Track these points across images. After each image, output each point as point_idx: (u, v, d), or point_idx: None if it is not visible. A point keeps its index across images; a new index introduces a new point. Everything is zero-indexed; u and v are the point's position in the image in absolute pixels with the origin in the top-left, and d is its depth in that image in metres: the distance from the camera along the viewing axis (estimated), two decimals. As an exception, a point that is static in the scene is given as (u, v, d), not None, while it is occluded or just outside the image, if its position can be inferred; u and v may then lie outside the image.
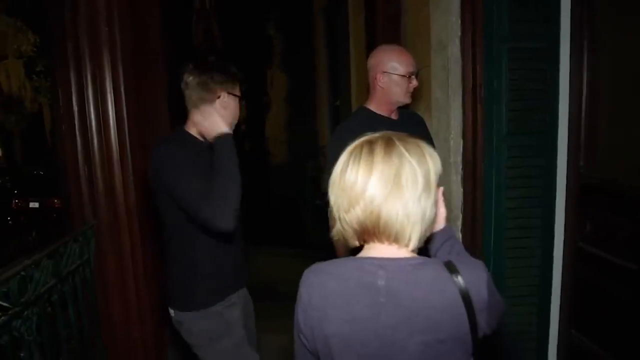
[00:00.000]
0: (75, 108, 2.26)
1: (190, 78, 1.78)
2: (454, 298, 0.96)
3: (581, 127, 2.40)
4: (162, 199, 1.73)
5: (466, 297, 0.96)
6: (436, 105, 2.68)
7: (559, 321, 2.55)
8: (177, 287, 1.80)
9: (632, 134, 2.16)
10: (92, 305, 2.29)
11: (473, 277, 0.99)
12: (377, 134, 1.04)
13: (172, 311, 1.83)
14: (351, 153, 1.02)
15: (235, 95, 1.85)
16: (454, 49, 2.55)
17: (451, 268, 0.99)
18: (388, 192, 0.96)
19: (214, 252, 1.77)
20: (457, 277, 0.97)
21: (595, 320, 2.29)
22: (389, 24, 3.29)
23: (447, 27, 2.57)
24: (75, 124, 2.26)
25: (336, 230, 1.06)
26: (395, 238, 1.00)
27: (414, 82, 2.03)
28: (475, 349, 1.00)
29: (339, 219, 1.03)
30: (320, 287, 1.03)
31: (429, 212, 0.99)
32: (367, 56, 3.85)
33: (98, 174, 2.33)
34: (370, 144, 1.00)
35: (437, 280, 0.98)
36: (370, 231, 1.00)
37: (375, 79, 2.02)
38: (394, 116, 2.11)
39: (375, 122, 2.01)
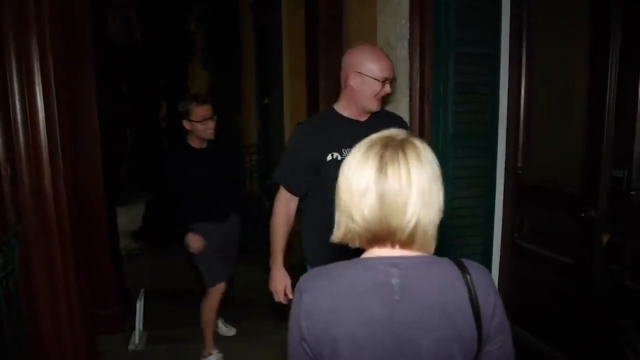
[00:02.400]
0: (-4, 99, 1.98)
1: None
2: (464, 297, 0.96)
3: (519, 130, 2.55)
4: None
5: (474, 298, 0.96)
6: (384, 106, 2.70)
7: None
8: None
9: (565, 137, 2.33)
10: (17, 321, 2.03)
11: (481, 279, 0.98)
12: (396, 134, 1.00)
13: None
14: (383, 157, 0.96)
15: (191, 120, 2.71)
16: (402, 51, 2.59)
17: (461, 267, 0.99)
18: (424, 202, 0.94)
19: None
20: (466, 277, 0.97)
21: (533, 313, 2.44)
22: (332, 24, 3.28)
23: (395, 29, 2.61)
24: (-5, 118, 1.98)
25: (343, 233, 1.01)
26: (428, 245, 0.99)
27: (387, 89, 1.88)
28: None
29: (360, 225, 0.98)
30: (328, 290, 0.99)
31: (441, 216, 0.99)
32: (306, 55, 3.89)
33: (24, 175, 2.06)
34: (401, 147, 0.97)
35: (449, 278, 0.97)
36: (398, 240, 0.97)
37: (348, 78, 1.88)
38: (361, 118, 1.96)
39: (338, 124, 1.94)
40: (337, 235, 1.03)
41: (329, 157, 1.87)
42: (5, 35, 2.00)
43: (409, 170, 0.94)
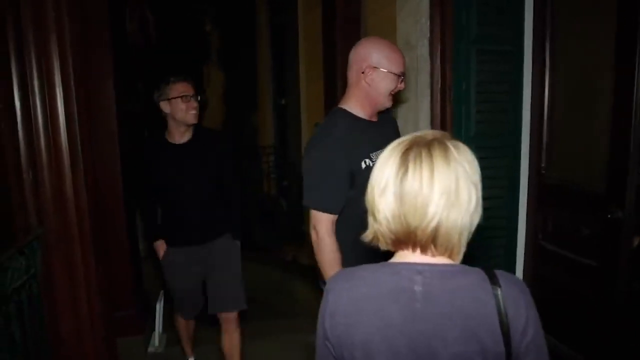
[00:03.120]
0: (18, 103, 1.98)
1: None
2: (492, 311, 0.91)
3: (543, 130, 2.50)
4: None
5: (502, 313, 0.91)
6: (404, 105, 2.66)
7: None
8: None
9: (590, 136, 2.27)
10: (39, 323, 2.04)
11: (513, 293, 0.93)
12: (425, 134, 0.97)
13: None
14: (406, 154, 0.93)
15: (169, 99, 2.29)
16: (423, 50, 2.55)
17: (493, 279, 0.94)
18: (450, 205, 0.90)
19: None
20: (496, 290, 0.92)
21: (556, 316, 2.38)
22: (349, 23, 3.24)
23: (416, 27, 2.57)
24: (17, 121, 1.99)
25: (374, 232, 0.99)
26: (450, 251, 0.94)
27: (402, 85, 1.76)
28: None
29: (383, 225, 0.95)
30: (350, 293, 0.98)
31: (477, 219, 0.95)
32: (323, 55, 3.85)
33: (45, 178, 2.06)
34: (428, 146, 0.93)
35: (476, 289, 0.93)
36: (418, 241, 0.94)
37: (363, 73, 1.71)
38: (374, 119, 1.83)
39: (358, 128, 1.76)
40: (367, 235, 1.01)
41: (363, 165, 1.71)
42: (25, 37, 2.01)
43: (432, 170, 0.90)
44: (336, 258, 1.70)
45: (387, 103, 1.81)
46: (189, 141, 2.36)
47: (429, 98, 2.56)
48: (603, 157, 2.09)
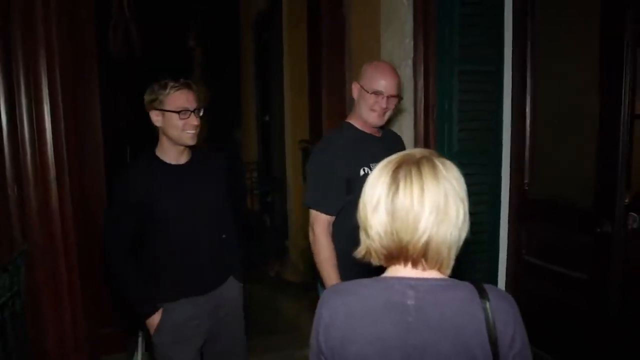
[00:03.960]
0: (4, 118, 1.98)
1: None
2: (481, 324, 0.94)
3: (525, 148, 2.57)
4: None
5: (491, 326, 0.94)
6: (388, 124, 2.72)
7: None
8: None
9: (574, 154, 2.35)
10: (22, 341, 2.01)
11: (501, 307, 0.96)
12: (414, 152, 1.00)
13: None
14: (396, 172, 0.97)
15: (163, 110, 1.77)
16: (407, 70, 2.61)
17: (481, 292, 0.97)
18: (440, 220, 0.93)
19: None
20: (485, 303, 0.95)
21: (543, 328, 2.43)
22: (334, 42, 3.31)
23: (400, 48, 2.64)
24: (3, 136, 1.98)
25: (366, 247, 1.02)
26: (440, 265, 0.97)
27: (381, 103, 1.87)
28: None
29: (376, 241, 0.98)
30: (345, 308, 1.00)
31: (464, 233, 0.98)
32: (308, 72, 3.91)
33: (31, 194, 2.05)
34: (417, 164, 0.96)
35: (466, 303, 0.96)
36: (410, 256, 0.97)
37: (352, 87, 1.96)
38: (376, 134, 1.99)
39: (360, 139, 1.94)
40: (359, 251, 1.04)
41: (362, 172, 1.85)
42: (14, 54, 2.02)
43: (422, 187, 0.94)
44: (332, 257, 1.83)
45: (371, 119, 1.93)
46: (190, 161, 1.88)
47: (412, 116, 2.62)
48: (589, 173, 2.19)
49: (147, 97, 1.79)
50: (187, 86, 1.80)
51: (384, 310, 0.97)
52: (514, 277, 2.65)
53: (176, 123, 1.76)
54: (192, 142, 1.81)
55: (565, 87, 2.38)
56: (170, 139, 1.81)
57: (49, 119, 2.08)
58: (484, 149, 2.63)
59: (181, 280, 1.86)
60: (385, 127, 2.10)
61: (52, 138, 2.09)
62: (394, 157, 1.01)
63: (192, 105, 1.78)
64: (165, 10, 7.12)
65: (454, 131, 2.58)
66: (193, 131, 1.79)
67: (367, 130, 1.97)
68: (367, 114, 1.92)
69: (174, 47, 7.47)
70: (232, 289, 2.00)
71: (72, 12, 2.34)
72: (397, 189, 0.95)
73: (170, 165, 1.84)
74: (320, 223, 1.85)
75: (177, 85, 1.78)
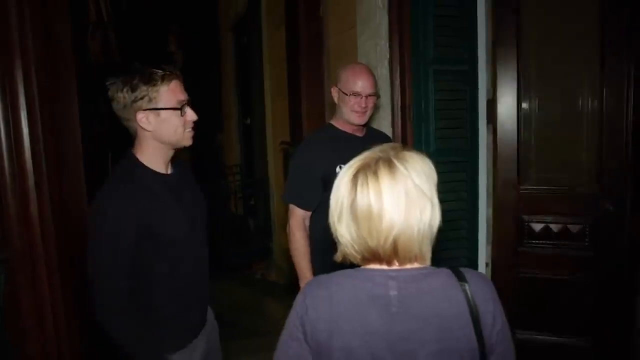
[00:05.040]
0: (-20, 125, 1.97)
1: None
2: (463, 307, 0.98)
3: (519, 145, 2.62)
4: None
5: (473, 307, 0.98)
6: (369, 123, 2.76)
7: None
8: None
9: (570, 146, 2.56)
10: (3, 349, 1.99)
11: (480, 287, 1.00)
12: (374, 154, 1.02)
13: None
14: (354, 178, 0.99)
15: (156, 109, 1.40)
16: (383, 71, 2.66)
17: (460, 276, 1.01)
18: (403, 218, 0.95)
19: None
20: (464, 286, 0.99)
21: (539, 314, 2.57)
22: (312, 43, 3.34)
23: (376, 50, 2.68)
24: (-21, 143, 1.97)
25: (342, 253, 1.05)
26: (413, 259, 1.00)
27: (360, 103, 1.98)
28: None
29: (348, 247, 1.01)
30: (330, 300, 1.01)
31: (436, 223, 1.00)
32: (287, 75, 3.93)
33: (9, 200, 2.03)
34: (373, 167, 0.98)
35: (447, 288, 0.99)
36: (382, 257, 1.00)
37: (331, 92, 2.09)
38: (358, 133, 2.10)
39: (339, 138, 2.05)
40: (337, 256, 1.06)
41: (338, 169, 1.92)
42: (-11, 61, 2.00)
43: (379, 191, 0.95)
44: (304, 250, 1.99)
45: (353, 119, 2.03)
46: (175, 171, 1.56)
47: (390, 117, 2.66)
48: (587, 164, 2.53)
49: (125, 98, 1.40)
50: (178, 76, 1.48)
51: (367, 302, 0.99)
52: (508, 268, 2.69)
53: (176, 122, 1.43)
54: (190, 143, 1.50)
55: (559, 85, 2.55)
56: (164, 142, 1.46)
57: (26, 125, 2.06)
58: (461, 147, 2.69)
59: (188, 322, 1.56)
60: (372, 128, 2.22)
61: (30, 144, 2.07)
62: (354, 162, 1.03)
63: (185, 95, 1.47)
64: (145, 15, 7.09)
65: (430, 130, 2.63)
66: (192, 130, 1.49)
67: (348, 131, 2.08)
68: (348, 115, 2.03)
69: (154, 52, 7.43)
70: (215, 328, 1.74)
71: (47, 18, 2.32)
72: (355, 195, 0.97)
73: (162, 175, 1.49)
74: (296, 217, 2.01)
75: (168, 73, 1.43)
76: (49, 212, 2.14)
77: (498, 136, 2.60)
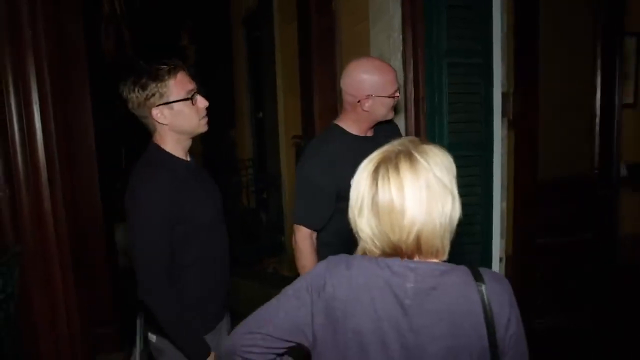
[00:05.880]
0: (-6, 121, 1.99)
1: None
2: (477, 307, 0.96)
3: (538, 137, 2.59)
4: None
5: (487, 308, 0.96)
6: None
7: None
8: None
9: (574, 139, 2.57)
10: (16, 342, 2.02)
11: (496, 290, 0.98)
12: (393, 148, 1.01)
13: (153, 337, 1.62)
14: (375, 173, 0.98)
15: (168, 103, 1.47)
16: (396, 63, 2.62)
17: (477, 276, 0.99)
18: (425, 212, 0.94)
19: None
20: (481, 286, 0.97)
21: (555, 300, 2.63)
22: (324, 37, 3.31)
23: (388, 42, 2.65)
24: (-7, 139, 1.99)
25: (362, 249, 1.04)
26: (435, 254, 0.99)
27: (398, 96, 1.87)
28: None
29: (369, 243, 1.01)
30: (349, 280, 1.00)
31: (457, 216, 0.99)
32: (299, 69, 3.91)
33: (23, 196, 2.05)
34: (394, 161, 0.97)
35: (462, 287, 0.98)
36: (405, 252, 0.99)
37: (359, 102, 1.79)
38: (369, 133, 1.93)
39: (350, 145, 1.85)
40: (357, 252, 1.06)
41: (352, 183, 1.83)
42: (2, 56, 2.02)
43: (401, 185, 0.95)
44: (312, 264, 1.80)
45: (390, 116, 1.91)
46: (192, 160, 1.65)
47: (403, 110, 2.63)
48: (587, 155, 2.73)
49: (138, 97, 1.48)
50: (180, 64, 1.53)
51: (384, 290, 0.98)
52: (525, 260, 2.70)
53: (189, 112, 1.51)
54: (206, 128, 1.58)
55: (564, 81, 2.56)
56: (182, 132, 1.54)
57: (39, 121, 2.08)
58: (475, 141, 2.65)
59: (215, 304, 1.65)
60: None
61: (43, 139, 2.09)
62: (374, 156, 1.02)
63: (193, 83, 1.54)
64: (157, 10, 7.11)
65: (444, 124, 2.59)
66: (206, 115, 1.56)
67: (360, 133, 1.90)
68: (387, 116, 1.88)
69: (166, 46, 7.45)
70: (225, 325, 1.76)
71: (59, 16, 2.34)
72: (376, 190, 0.96)
73: (186, 162, 1.58)
74: (302, 234, 1.85)
75: (173, 66, 1.49)
76: (62, 208, 2.16)
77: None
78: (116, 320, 3.13)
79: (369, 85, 1.78)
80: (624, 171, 2.80)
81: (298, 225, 1.85)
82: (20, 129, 2.06)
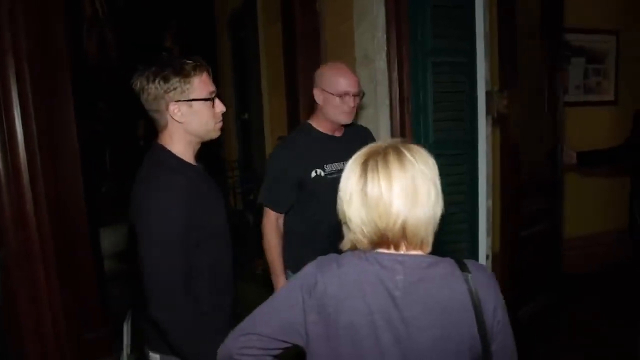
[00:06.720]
0: (-26, 123, 1.96)
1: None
2: (464, 296, 1.00)
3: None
4: None
5: (475, 297, 1.00)
6: (364, 117, 2.74)
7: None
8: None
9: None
10: (1, 346, 1.99)
11: (482, 279, 1.03)
12: (382, 144, 1.05)
13: (156, 356, 1.50)
14: (364, 165, 1.02)
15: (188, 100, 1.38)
16: (381, 63, 2.63)
17: (463, 266, 1.03)
18: (411, 203, 0.99)
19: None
20: (467, 276, 1.01)
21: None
22: (309, 37, 3.31)
23: (373, 42, 2.66)
24: (-27, 142, 1.95)
25: (350, 240, 1.07)
26: (420, 245, 1.03)
27: (349, 103, 1.94)
28: (485, 357, 1.02)
29: (357, 232, 1.04)
30: (339, 278, 1.04)
31: (439, 210, 1.03)
32: (284, 69, 3.91)
33: (4, 197, 2.02)
34: (383, 155, 1.01)
35: (449, 277, 1.02)
36: (391, 241, 1.02)
37: (313, 94, 1.99)
38: (337, 134, 2.06)
39: (317, 140, 2.02)
40: (344, 244, 1.09)
41: (313, 174, 1.96)
42: (-19, 59, 1.99)
43: (389, 175, 0.99)
44: (278, 250, 2.04)
45: (342, 119, 2.00)
46: (199, 164, 1.54)
47: (388, 109, 2.64)
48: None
49: (157, 89, 1.37)
50: (205, 64, 1.45)
51: (373, 284, 1.02)
52: (512, 256, 2.76)
53: (207, 113, 1.42)
54: (219, 134, 1.50)
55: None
56: (194, 134, 1.45)
57: (20, 123, 2.05)
58: (460, 139, 2.67)
59: (223, 310, 1.54)
60: (352, 124, 2.12)
61: (24, 141, 2.06)
62: (363, 150, 1.07)
63: (214, 86, 1.47)
64: (141, 11, 7.05)
65: (429, 122, 2.61)
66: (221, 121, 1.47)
67: (327, 132, 2.04)
68: (336, 116, 1.98)
69: (150, 48, 7.39)
70: None
71: (41, 17, 2.31)
72: (366, 180, 1.01)
73: (194, 166, 1.48)
74: (269, 217, 2.04)
75: (199, 64, 1.42)
76: (45, 210, 2.13)
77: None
78: (105, 326, 3.08)
79: (320, 78, 1.97)
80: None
81: (266, 208, 2.04)
82: (1, 132, 2.03)
